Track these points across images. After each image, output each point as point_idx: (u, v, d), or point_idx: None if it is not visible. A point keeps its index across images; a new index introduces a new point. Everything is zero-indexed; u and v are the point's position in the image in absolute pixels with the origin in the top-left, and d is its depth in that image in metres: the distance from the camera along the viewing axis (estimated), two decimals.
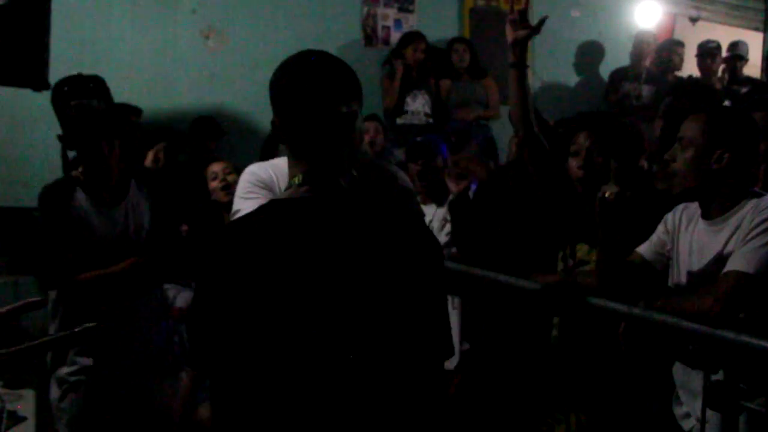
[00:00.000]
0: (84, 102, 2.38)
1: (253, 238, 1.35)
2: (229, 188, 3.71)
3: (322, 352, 1.31)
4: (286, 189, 1.44)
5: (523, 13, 2.62)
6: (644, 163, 3.21)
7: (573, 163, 2.63)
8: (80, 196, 2.50)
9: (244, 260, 1.32)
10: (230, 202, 1.98)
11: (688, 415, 2.20)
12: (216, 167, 3.98)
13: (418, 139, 3.89)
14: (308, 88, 1.41)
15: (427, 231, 1.53)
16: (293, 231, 1.35)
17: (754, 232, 2.02)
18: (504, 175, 3.47)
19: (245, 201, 1.90)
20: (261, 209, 1.42)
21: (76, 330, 1.44)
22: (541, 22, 2.62)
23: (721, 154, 2.11)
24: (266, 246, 1.33)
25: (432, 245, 1.45)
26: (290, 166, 1.46)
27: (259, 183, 1.93)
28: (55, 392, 2.54)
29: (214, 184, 3.96)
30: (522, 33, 2.61)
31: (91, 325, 1.47)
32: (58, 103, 2.44)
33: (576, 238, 2.64)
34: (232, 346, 1.31)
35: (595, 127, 2.62)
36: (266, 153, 3.70)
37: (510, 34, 2.63)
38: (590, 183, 2.57)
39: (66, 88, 2.45)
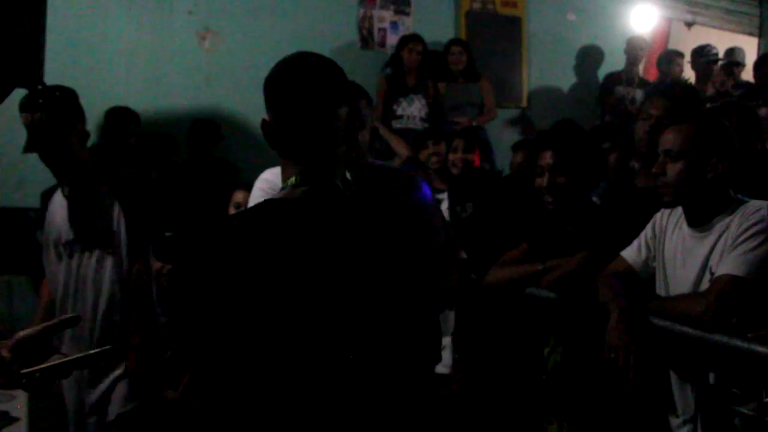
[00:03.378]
0: (28, 115, 2.63)
1: (249, 237, 1.35)
2: None
3: (309, 351, 1.31)
4: (281, 189, 1.45)
5: None
6: (635, 164, 3.22)
7: (538, 182, 2.62)
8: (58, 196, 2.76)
9: (240, 258, 1.32)
10: None
11: (684, 424, 2.21)
12: (239, 196, 3.85)
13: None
14: (304, 88, 1.41)
15: (424, 232, 1.52)
16: (289, 231, 1.35)
17: (743, 236, 2.03)
18: (505, 188, 3.45)
19: None
20: (257, 208, 1.43)
21: (99, 351, 1.47)
22: None
23: (716, 162, 2.12)
24: (262, 245, 1.33)
25: (431, 249, 1.46)
26: (284, 167, 1.46)
27: (272, 190, 1.91)
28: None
29: (232, 211, 3.91)
30: None
31: (112, 346, 1.51)
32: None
33: (549, 252, 2.63)
34: (224, 342, 1.32)
35: (559, 145, 2.61)
36: None
37: None
38: (556, 202, 2.58)
39: (22, 100, 2.67)
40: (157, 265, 3.44)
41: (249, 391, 1.32)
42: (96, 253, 2.68)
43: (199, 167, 4.62)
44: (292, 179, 1.42)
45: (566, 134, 2.71)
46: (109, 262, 2.68)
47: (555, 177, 2.54)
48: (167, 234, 3.42)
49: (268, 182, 1.95)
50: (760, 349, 1.88)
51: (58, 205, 2.75)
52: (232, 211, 3.90)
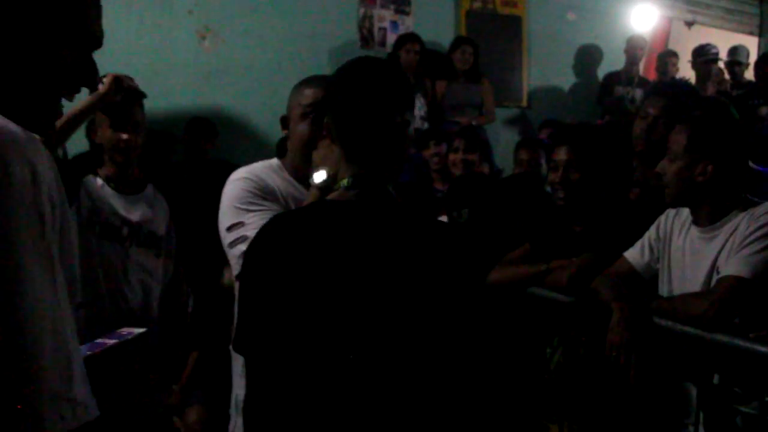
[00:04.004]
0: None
1: (300, 234, 1.39)
2: None
3: (347, 349, 1.34)
4: (334, 190, 1.47)
5: None
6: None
7: (551, 177, 2.62)
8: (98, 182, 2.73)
9: (290, 255, 1.36)
10: None
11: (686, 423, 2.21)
12: None
13: None
14: (366, 95, 1.44)
15: (468, 245, 1.54)
16: (338, 232, 1.38)
17: (750, 238, 2.03)
18: (506, 189, 3.43)
19: (247, 213, 1.77)
20: (311, 207, 1.49)
21: (130, 337, 1.55)
22: None
23: (705, 166, 2.13)
24: (311, 244, 1.37)
25: (471, 260, 1.49)
26: (340, 168, 1.47)
27: (259, 192, 1.82)
28: None
29: None
30: None
31: (142, 330, 1.56)
32: None
33: (554, 254, 2.63)
34: (273, 335, 1.36)
35: (575, 141, 2.61)
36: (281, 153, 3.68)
37: None
38: (568, 198, 2.58)
39: None
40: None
41: (292, 380, 1.35)
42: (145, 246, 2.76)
43: (195, 167, 4.62)
44: (345, 181, 1.45)
45: (583, 131, 2.70)
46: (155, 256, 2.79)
47: (569, 173, 2.55)
48: None
49: (253, 182, 1.83)
50: (762, 349, 1.88)
51: (107, 192, 2.71)
52: None
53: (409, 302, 1.35)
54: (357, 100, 1.43)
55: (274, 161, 1.96)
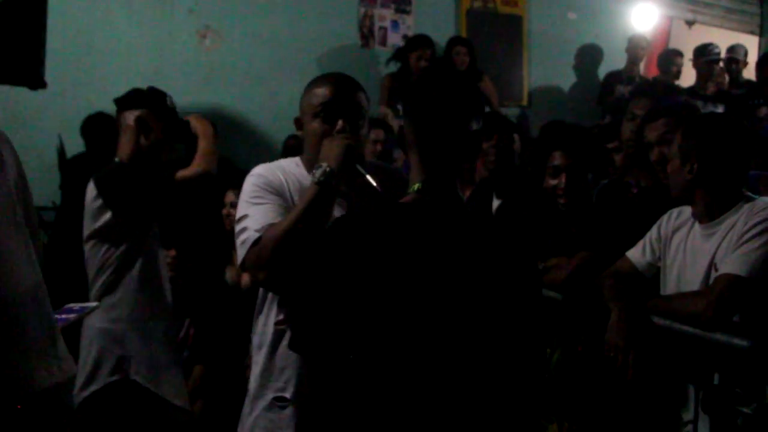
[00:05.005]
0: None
1: (371, 236, 1.45)
2: None
3: (425, 348, 1.39)
4: (408, 194, 1.54)
5: None
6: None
7: (549, 181, 2.64)
8: None
9: (361, 256, 1.42)
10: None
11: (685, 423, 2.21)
12: (231, 196, 3.81)
13: None
14: (444, 104, 1.53)
15: (526, 248, 1.60)
16: (410, 235, 1.44)
17: (748, 235, 2.03)
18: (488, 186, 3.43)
19: (253, 206, 1.89)
20: (383, 210, 1.54)
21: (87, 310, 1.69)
22: None
23: (691, 165, 2.17)
24: (383, 246, 1.43)
25: (531, 261, 1.58)
26: (413, 172, 1.56)
27: (267, 187, 1.92)
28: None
29: (226, 211, 3.91)
30: None
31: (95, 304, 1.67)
32: None
33: (552, 252, 2.63)
34: (340, 335, 1.42)
35: (571, 145, 2.61)
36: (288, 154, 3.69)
37: None
38: (570, 203, 2.59)
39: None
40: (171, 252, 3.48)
41: (362, 378, 1.41)
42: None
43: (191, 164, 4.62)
44: (416, 185, 1.52)
45: (577, 135, 2.72)
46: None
47: (571, 178, 2.56)
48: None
49: (263, 178, 1.96)
50: (761, 347, 1.87)
51: None
52: (226, 211, 3.89)
53: (486, 299, 1.42)
54: (435, 110, 1.52)
55: (297, 159, 2.07)
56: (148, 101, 2.77)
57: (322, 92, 1.94)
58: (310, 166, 1.95)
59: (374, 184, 1.83)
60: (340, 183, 1.83)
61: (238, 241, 1.87)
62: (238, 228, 1.89)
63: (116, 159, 2.74)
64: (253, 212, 1.86)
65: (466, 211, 1.55)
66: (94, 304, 2.21)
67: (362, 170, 1.84)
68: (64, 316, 1.79)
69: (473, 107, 1.55)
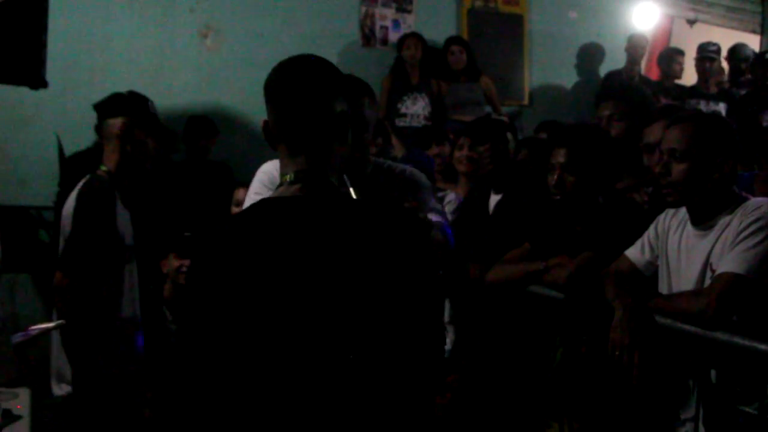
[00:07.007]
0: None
1: (244, 236, 1.37)
2: None
3: (302, 349, 1.31)
4: (278, 187, 1.47)
5: None
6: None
7: (549, 178, 2.63)
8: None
9: (236, 257, 1.34)
10: None
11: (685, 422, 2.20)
12: (241, 194, 3.73)
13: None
14: (303, 87, 1.44)
15: (422, 235, 1.53)
16: (283, 230, 1.36)
17: (744, 233, 2.03)
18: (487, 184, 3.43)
19: (254, 200, 1.90)
20: (252, 208, 1.45)
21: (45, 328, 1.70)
22: None
23: (721, 162, 2.12)
24: (257, 244, 1.35)
25: (424, 249, 1.47)
26: (282, 165, 1.48)
27: (270, 183, 1.96)
28: (57, 389, 2.59)
29: (235, 210, 3.90)
30: None
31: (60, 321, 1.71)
32: None
33: (553, 251, 2.63)
34: (220, 338, 1.33)
35: (573, 143, 2.61)
36: None
37: None
38: (563, 200, 2.59)
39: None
40: (175, 263, 3.46)
41: (237, 389, 1.32)
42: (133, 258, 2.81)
43: (195, 167, 4.63)
44: (288, 176, 1.44)
45: (581, 133, 2.71)
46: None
47: (564, 176, 2.56)
48: (186, 233, 3.46)
49: (268, 174, 1.99)
50: (762, 347, 1.87)
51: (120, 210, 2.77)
52: (234, 209, 3.91)
53: (359, 295, 1.34)
54: (292, 94, 1.44)
55: None
56: (130, 108, 2.76)
57: None
58: None
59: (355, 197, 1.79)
60: None
61: None
62: None
63: (103, 167, 2.75)
64: None
65: (340, 199, 1.45)
66: (58, 322, 2.44)
67: (347, 181, 1.83)
68: (21, 333, 2.11)
69: (335, 88, 1.47)
